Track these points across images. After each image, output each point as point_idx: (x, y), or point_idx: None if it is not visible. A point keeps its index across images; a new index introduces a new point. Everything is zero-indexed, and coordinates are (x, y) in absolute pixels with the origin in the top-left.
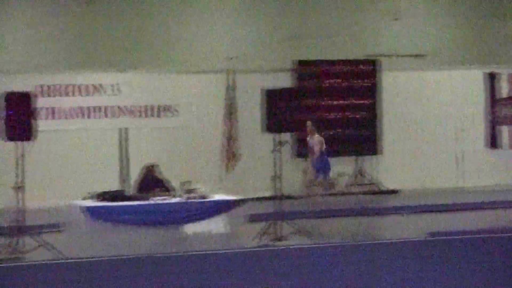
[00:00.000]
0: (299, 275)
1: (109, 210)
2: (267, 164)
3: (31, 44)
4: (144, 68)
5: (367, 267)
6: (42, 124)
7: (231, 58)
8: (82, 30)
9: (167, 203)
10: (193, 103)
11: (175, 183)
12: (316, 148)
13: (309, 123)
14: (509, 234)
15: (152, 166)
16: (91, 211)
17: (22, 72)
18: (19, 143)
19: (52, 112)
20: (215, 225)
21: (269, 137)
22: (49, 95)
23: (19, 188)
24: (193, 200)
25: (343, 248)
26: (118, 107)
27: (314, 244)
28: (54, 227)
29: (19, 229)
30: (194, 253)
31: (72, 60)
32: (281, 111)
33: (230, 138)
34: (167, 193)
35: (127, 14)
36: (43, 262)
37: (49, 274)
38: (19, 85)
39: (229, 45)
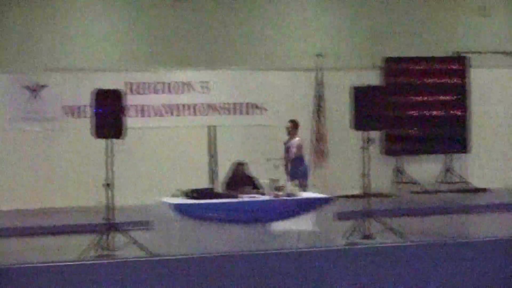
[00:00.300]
0: (386, 273)
1: (198, 207)
2: (355, 161)
3: (120, 42)
4: (233, 65)
5: (455, 266)
6: (132, 122)
7: (319, 56)
8: (172, 28)
9: (255, 201)
10: (282, 100)
11: (263, 181)
12: (293, 151)
13: (289, 124)
14: None
15: (241, 163)
16: (180, 208)
17: (112, 70)
18: (109, 140)
19: (142, 110)
20: (303, 222)
21: (357, 135)
22: (138, 93)
23: (108, 185)
24: (281, 198)
25: (431, 247)
26: (207, 104)
27: (402, 242)
28: (143, 225)
29: (109, 227)
30: (283, 251)
31: (161, 58)
32: (369, 108)
33: (319, 136)
34: (255, 190)
35: (216, 12)
36: (133, 259)
37: (138, 272)
38: (109, 82)
39: (317, 43)
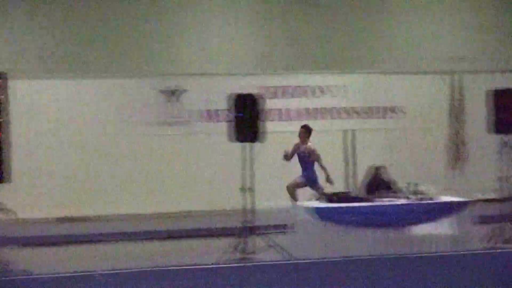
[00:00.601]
0: None
1: (336, 211)
2: (493, 165)
3: (256, 46)
4: (370, 69)
5: None
6: (270, 126)
7: (456, 59)
8: (308, 32)
9: (394, 205)
10: (418, 104)
11: (401, 185)
12: (311, 153)
13: (301, 129)
14: None
15: (379, 167)
16: (318, 212)
17: (248, 74)
18: (247, 144)
19: (279, 114)
20: (443, 226)
21: (494, 138)
22: (276, 97)
23: (248, 189)
24: (420, 201)
25: None
26: (344, 108)
27: None
28: (282, 228)
29: (249, 230)
30: (421, 255)
31: (298, 62)
32: (509, 111)
33: (457, 139)
34: (394, 194)
35: (353, 15)
36: (272, 262)
37: (277, 275)
38: (247, 87)
39: (453, 46)
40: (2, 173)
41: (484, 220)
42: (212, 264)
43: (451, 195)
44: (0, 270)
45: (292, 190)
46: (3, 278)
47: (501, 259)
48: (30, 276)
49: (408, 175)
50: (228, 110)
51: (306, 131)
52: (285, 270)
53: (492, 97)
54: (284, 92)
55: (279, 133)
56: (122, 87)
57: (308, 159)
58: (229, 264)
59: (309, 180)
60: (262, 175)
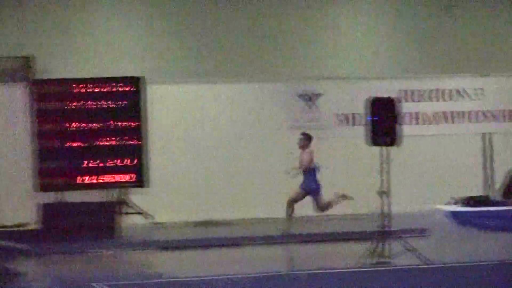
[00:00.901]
0: None
1: (475, 215)
2: None
3: (395, 50)
4: (507, 71)
5: None
6: (406, 129)
7: None
8: (445, 35)
9: None
10: None
11: None
12: (303, 163)
13: (301, 136)
14: None
15: None
16: (456, 216)
17: (387, 78)
18: (384, 148)
19: (416, 117)
20: None
21: None
22: (412, 100)
23: (384, 192)
24: None
25: None
26: (481, 111)
27: None
28: (419, 232)
29: (385, 234)
30: None
31: (435, 65)
32: None
33: None
34: None
35: (484, 18)
36: (410, 267)
37: (415, 279)
38: (384, 90)
39: None
40: (142, 178)
41: None
42: (350, 268)
43: None
44: (140, 273)
45: (290, 203)
46: (143, 282)
47: None
48: (170, 279)
49: None
50: (365, 113)
51: (305, 139)
52: (423, 275)
53: None
54: (421, 95)
55: (416, 137)
56: (258, 91)
57: (307, 166)
58: (367, 268)
59: (310, 189)
60: (399, 179)
